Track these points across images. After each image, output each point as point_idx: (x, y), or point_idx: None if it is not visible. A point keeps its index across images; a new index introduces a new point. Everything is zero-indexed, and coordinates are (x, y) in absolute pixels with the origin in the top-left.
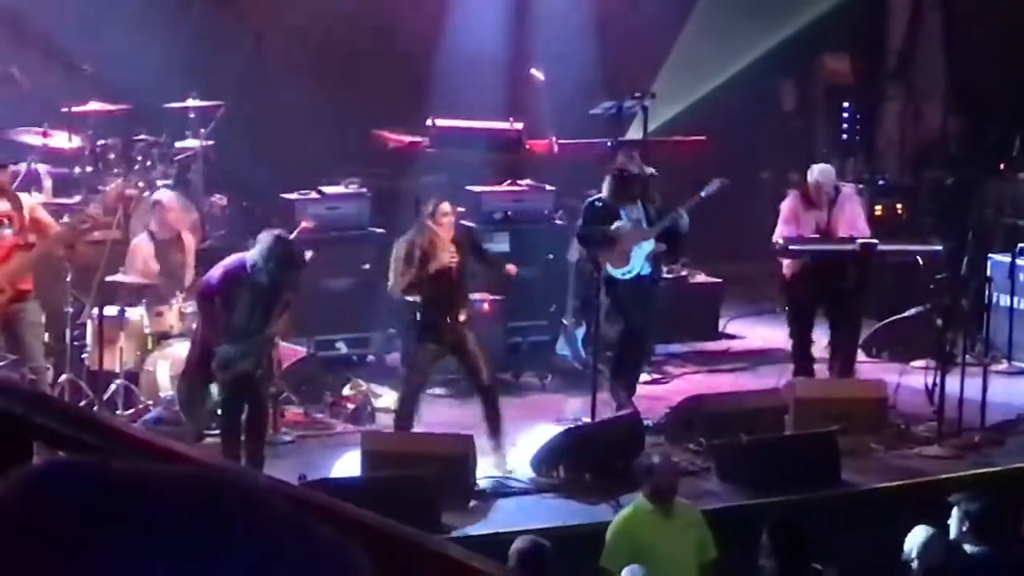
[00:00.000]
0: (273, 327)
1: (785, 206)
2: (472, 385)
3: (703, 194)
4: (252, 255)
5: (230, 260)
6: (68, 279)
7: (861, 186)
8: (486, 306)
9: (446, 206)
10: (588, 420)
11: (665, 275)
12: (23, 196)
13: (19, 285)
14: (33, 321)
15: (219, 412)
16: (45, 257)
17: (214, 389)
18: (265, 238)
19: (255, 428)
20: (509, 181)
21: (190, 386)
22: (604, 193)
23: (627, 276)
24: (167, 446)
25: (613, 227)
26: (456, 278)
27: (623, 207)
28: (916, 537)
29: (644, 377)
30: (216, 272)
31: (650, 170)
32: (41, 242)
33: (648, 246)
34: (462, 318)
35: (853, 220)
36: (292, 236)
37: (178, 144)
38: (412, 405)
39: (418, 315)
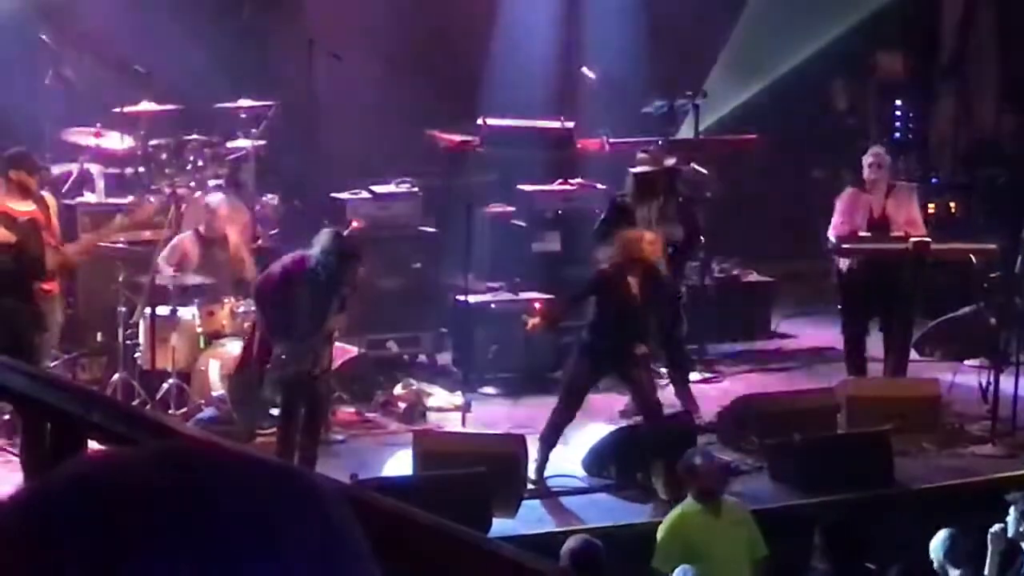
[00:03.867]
0: (331, 324)
1: (840, 200)
2: (642, 415)
3: (708, 194)
4: (312, 252)
5: (289, 258)
6: (121, 279)
7: (915, 184)
8: (537, 305)
9: (651, 236)
10: (640, 419)
11: (717, 275)
12: (48, 198)
13: (43, 286)
14: (51, 320)
15: (278, 412)
16: (65, 266)
17: (268, 388)
18: (324, 234)
19: (311, 428)
20: (560, 180)
21: (243, 384)
22: (626, 191)
23: None
24: (216, 445)
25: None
26: (643, 309)
27: (643, 205)
28: (938, 540)
29: (696, 376)
30: (275, 269)
31: (669, 160)
32: (59, 252)
33: None
34: (638, 351)
35: (912, 216)
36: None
37: (230, 144)
38: (562, 426)
39: (585, 333)
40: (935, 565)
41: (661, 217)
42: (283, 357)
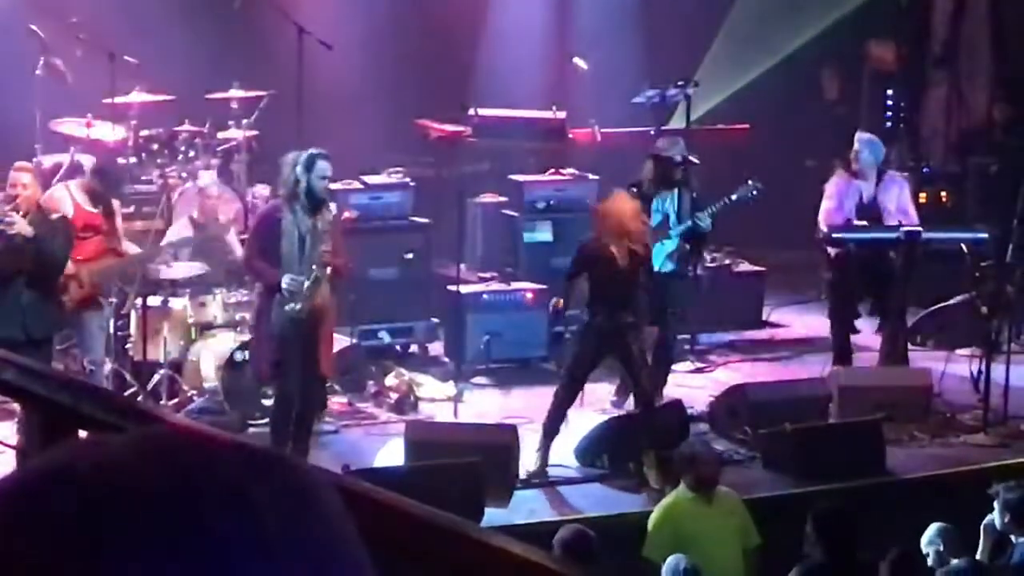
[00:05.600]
0: (326, 247)
1: (830, 184)
2: (633, 395)
3: (733, 197)
4: (280, 189)
5: (262, 208)
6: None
7: (906, 174)
8: (529, 295)
9: (632, 207)
10: (632, 409)
11: (708, 264)
12: (116, 206)
13: (96, 287)
14: (100, 314)
15: (270, 402)
16: (121, 270)
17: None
18: (283, 163)
19: (305, 421)
20: (552, 170)
21: (235, 375)
22: (643, 176)
23: None
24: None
25: None
26: (630, 281)
27: (659, 196)
28: (929, 534)
29: (688, 366)
30: (253, 223)
31: (692, 158)
32: (120, 258)
33: (670, 244)
34: (629, 320)
35: (903, 205)
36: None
37: (221, 134)
38: (563, 410)
39: (584, 313)
40: (928, 559)
41: (679, 210)
42: (291, 284)
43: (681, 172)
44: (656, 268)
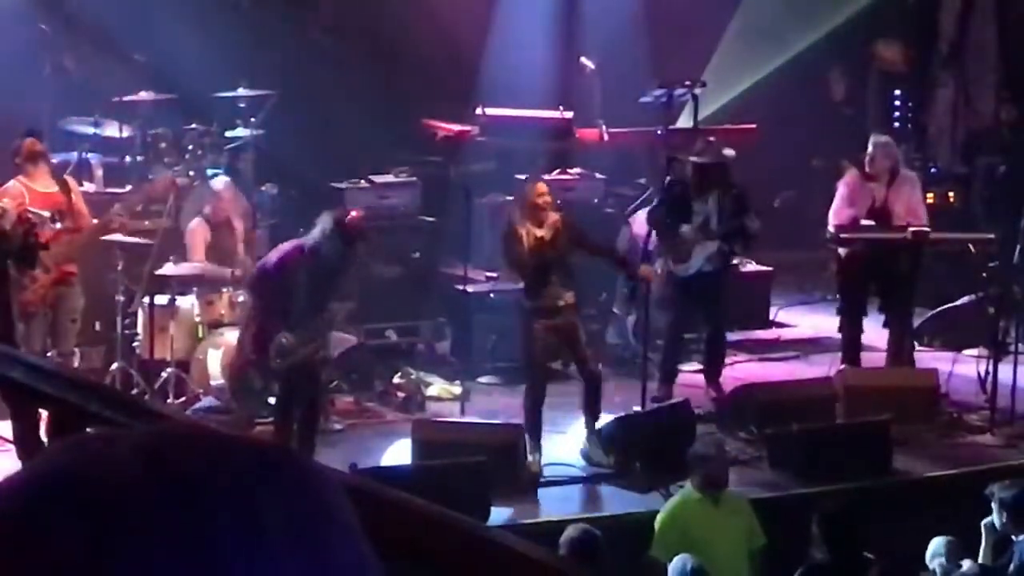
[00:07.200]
0: (331, 310)
1: (843, 185)
2: (579, 371)
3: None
4: (311, 237)
5: (286, 246)
6: (120, 267)
7: (913, 173)
8: None
9: (542, 186)
10: (638, 408)
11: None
12: (71, 182)
13: (64, 268)
14: (72, 306)
15: (274, 401)
16: (85, 248)
17: (260, 379)
18: (325, 218)
19: (309, 418)
20: (559, 170)
21: (242, 373)
22: (684, 178)
23: (687, 274)
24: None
25: (681, 230)
26: (556, 259)
27: (698, 199)
28: (933, 548)
29: (695, 366)
30: (272, 257)
31: (729, 152)
32: (79, 234)
33: (711, 246)
34: (566, 301)
35: (913, 206)
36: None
37: (228, 133)
38: (539, 407)
39: (523, 301)
40: (937, 573)
41: (720, 211)
42: (283, 344)
43: (718, 174)
44: (696, 269)
